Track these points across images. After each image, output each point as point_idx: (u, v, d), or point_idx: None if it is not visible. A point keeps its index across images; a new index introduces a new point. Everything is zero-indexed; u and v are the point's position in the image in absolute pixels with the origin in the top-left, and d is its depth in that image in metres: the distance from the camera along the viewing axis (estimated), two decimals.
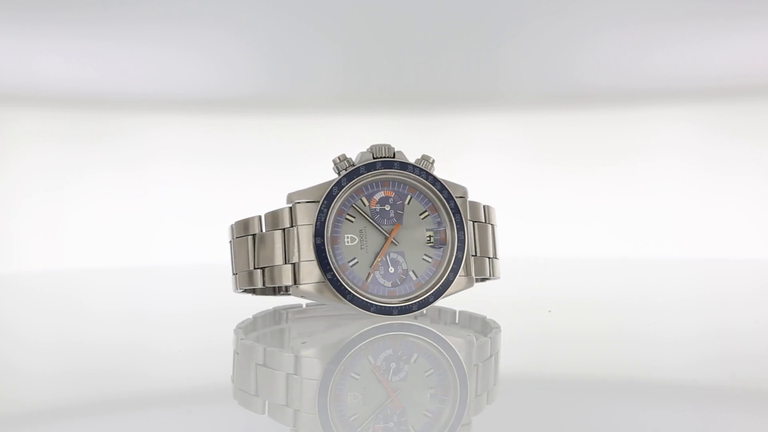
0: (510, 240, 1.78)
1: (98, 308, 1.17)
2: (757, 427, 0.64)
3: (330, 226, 0.88)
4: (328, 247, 0.87)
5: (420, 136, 1.78)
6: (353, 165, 0.90)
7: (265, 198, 1.83)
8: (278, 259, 0.88)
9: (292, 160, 1.84)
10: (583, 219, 1.81)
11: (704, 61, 1.83)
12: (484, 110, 1.87)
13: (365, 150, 0.91)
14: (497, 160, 1.85)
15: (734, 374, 0.75)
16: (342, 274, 0.87)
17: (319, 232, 0.86)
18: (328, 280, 0.86)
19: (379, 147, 0.91)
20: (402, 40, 1.83)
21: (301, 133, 1.86)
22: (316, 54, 1.84)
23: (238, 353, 0.82)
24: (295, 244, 0.87)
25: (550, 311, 0.99)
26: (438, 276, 0.90)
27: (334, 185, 0.89)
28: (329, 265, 0.86)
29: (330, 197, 0.88)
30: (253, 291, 0.95)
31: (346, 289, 0.86)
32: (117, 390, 0.73)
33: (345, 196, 0.89)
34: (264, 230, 0.89)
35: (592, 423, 0.64)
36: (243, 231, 0.90)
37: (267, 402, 0.67)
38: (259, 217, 0.90)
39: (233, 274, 0.93)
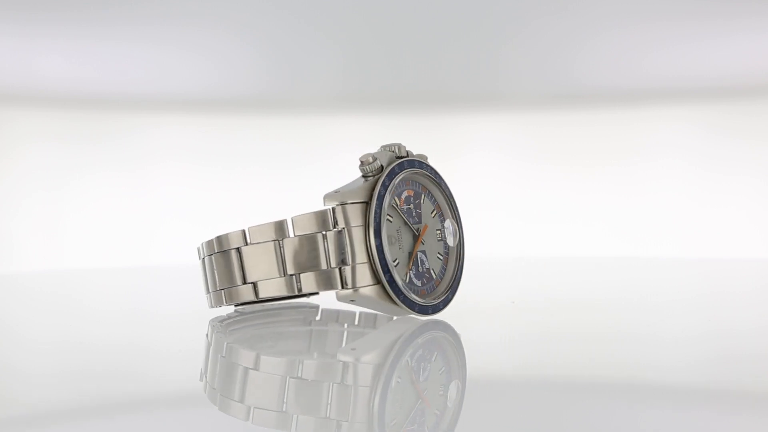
0: (510, 240, 1.78)
1: (98, 308, 1.17)
2: (757, 427, 0.64)
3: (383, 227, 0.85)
4: (386, 249, 0.84)
5: (420, 136, 1.78)
6: (381, 165, 0.87)
7: (265, 198, 1.83)
8: (323, 263, 0.84)
9: (292, 160, 1.84)
10: (583, 219, 1.81)
11: (704, 61, 1.82)
12: (484, 110, 1.87)
13: (380, 149, 0.90)
14: (497, 160, 1.85)
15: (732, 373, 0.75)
16: (396, 276, 0.85)
17: (377, 233, 0.83)
18: (387, 282, 0.83)
19: (399, 146, 0.90)
20: (402, 40, 1.83)
21: (301, 133, 1.86)
22: (316, 54, 1.84)
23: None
24: (348, 246, 0.83)
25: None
26: (451, 272, 0.90)
27: (380, 186, 0.85)
28: (387, 266, 0.84)
29: (380, 198, 0.85)
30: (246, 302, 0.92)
31: (400, 290, 0.84)
32: (117, 390, 0.73)
33: (390, 196, 0.87)
34: (294, 234, 0.84)
35: (592, 423, 0.64)
36: (262, 237, 0.85)
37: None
38: (281, 222, 0.85)
39: (224, 288, 0.87)
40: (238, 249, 0.86)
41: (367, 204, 0.84)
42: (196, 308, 1.09)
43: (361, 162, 0.87)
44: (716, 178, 1.82)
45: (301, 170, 1.83)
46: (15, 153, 1.78)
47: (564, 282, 1.37)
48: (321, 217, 0.84)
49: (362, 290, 0.83)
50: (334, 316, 0.94)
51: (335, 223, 0.83)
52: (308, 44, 1.82)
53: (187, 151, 1.84)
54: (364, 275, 0.83)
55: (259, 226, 0.85)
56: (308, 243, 0.83)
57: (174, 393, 0.74)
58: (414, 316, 0.87)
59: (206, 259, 0.90)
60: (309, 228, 0.83)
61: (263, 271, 0.85)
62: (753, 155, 1.81)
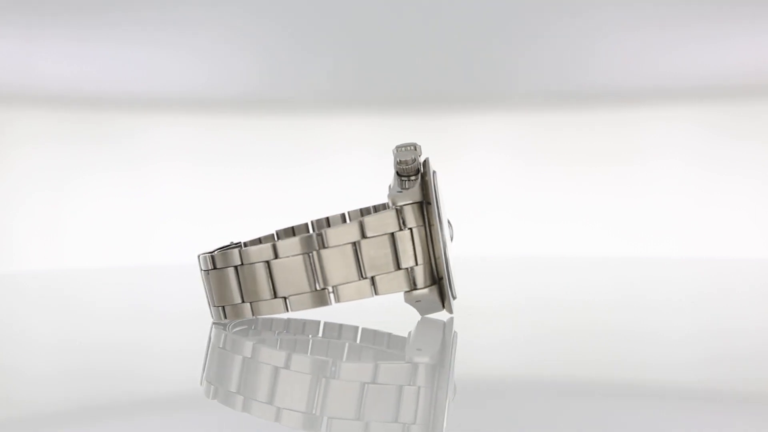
0: (510, 240, 1.78)
1: (98, 308, 1.17)
2: (757, 426, 0.64)
3: None
4: (448, 249, 0.84)
5: (420, 136, 1.78)
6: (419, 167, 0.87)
7: (265, 198, 1.83)
8: (398, 264, 0.82)
9: (292, 160, 1.84)
10: (583, 219, 1.81)
11: (704, 61, 1.82)
12: (484, 110, 1.87)
13: (405, 149, 0.89)
14: (497, 160, 1.85)
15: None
16: (452, 276, 0.85)
17: (442, 233, 0.83)
18: (440, 281, 0.83)
19: (415, 145, 0.89)
20: (402, 41, 1.83)
21: (301, 133, 1.86)
22: (316, 55, 1.84)
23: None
24: (411, 247, 0.82)
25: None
26: (449, 270, 0.91)
27: (433, 187, 0.85)
28: (449, 267, 0.84)
29: (436, 198, 0.85)
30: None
31: (452, 288, 0.85)
32: (117, 389, 0.73)
33: (437, 196, 0.86)
34: (369, 235, 0.82)
35: (593, 422, 0.64)
36: (338, 239, 0.81)
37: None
38: (360, 222, 0.81)
39: (293, 294, 0.82)
40: (309, 254, 0.82)
41: (421, 204, 0.83)
42: (196, 308, 1.09)
43: (403, 161, 0.86)
44: (716, 178, 1.82)
45: (301, 170, 1.83)
46: (15, 153, 1.78)
47: (564, 281, 1.37)
48: (394, 218, 0.82)
49: (426, 290, 0.83)
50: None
51: (404, 223, 0.82)
52: (308, 45, 1.82)
53: (187, 151, 1.84)
54: (427, 275, 0.83)
55: (335, 228, 0.82)
56: (385, 244, 0.82)
57: (183, 393, 0.74)
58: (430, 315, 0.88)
59: (263, 264, 0.83)
60: (384, 228, 0.82)
61: (343, 275, 0.82)
62: (753, 155, 1.81)
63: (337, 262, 0.81)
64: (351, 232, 0.81)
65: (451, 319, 0.90)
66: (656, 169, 1.83)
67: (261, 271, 0.82)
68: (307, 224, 1.03)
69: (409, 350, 0.83)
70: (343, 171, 1.79)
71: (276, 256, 0.82)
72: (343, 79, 1.88)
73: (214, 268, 0.84)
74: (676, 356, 0.83)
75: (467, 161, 1.82)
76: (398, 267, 0.82)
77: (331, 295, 0.82)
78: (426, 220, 0.83)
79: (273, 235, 1.01)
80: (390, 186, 0.93)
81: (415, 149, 0.87)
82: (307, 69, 1.84)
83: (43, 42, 1.77)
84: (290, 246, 0.82)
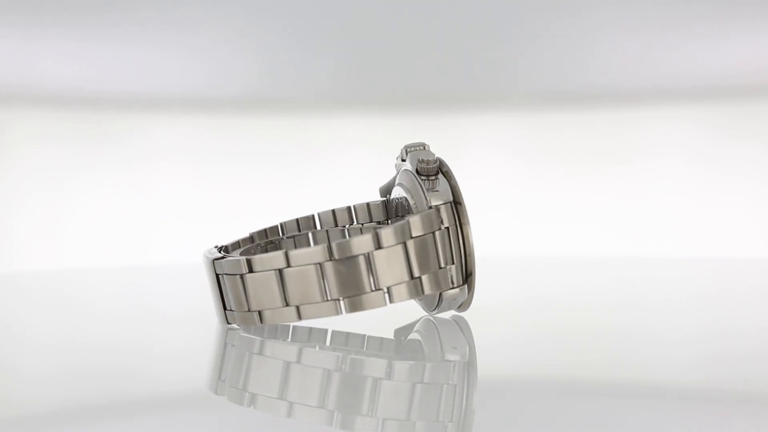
0: (510, 240, 1.78)
1: (97, 307, 1.17)
2: (758, 426, 0.64)
3: None
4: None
5: (420, 137, 1.78)
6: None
7: (265, 198, 1.83)
8: (438, 263, 0.82)
9: (292, 160, 1.84)
10: (583, 219, 1.81)
11: (704, 61, 1.83)
12: (484, 110, 1.87)
13: (419, 148, 0.89)
14: (497, 160, 1.85)
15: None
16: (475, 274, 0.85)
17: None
18: (469, 277, 0.84)
19: (424, 145, 0.89)
20: (402, 41, 1.83)
21: (301, 133, 1.86)
22: (316, 55, 1.84)
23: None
24: (449, 246, 0.83)
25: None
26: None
27: (457, 186, 0.86)
28: (474, 265, 0.85)
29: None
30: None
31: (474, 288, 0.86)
32: (117, 389, 0.73)
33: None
34: (413, 235, 0.81)
35: (593, 422, 0.64)
36: (389, 240, 0.79)
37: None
38: (404, 225, 0.80)
39: (350, 296, 0.79)
40: (367, 255, 0.79)
41: (452, 204, 0.83)
42: (196, 308, 1.09)
43: (426, 161, 0.86)
44: (716, 178, 1.82)
45: (301, 170, 1.83)
46: (15, 153, 1.78)
47: (564, 281, 1.37)
48: (433, 218, 0.82)
49: (458, 290, 0.84)
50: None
51: (441, 222, 0.82)
52: (308, 45, 1.82)
53: (187, 151, 1.84)
54: (459, 274, 0.83)
55: (384, 228, 0.80)
56: (427, 244, 0.82)
57: (184, 392, 0.74)
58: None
59: (316, 266, 0.79)
60: (425, 228, 0.81)
61: (395, 276, 0.80)
62: (753, 155, 1.81)
63: (390, 262, 0.80)
64: (397, 234, 0.80)
65: (452, 319, 0.90)
66: (656, 169, 1.83)
67: (312, 272, 0.79)
68: (277, 226, 1.01)
69: (446, 349, 0.83)
70: (343, 171, 1.79)
71: (331, 258, 0.79)
72: (343, 79, 1.88)
73: (251, 271, 0.81)
74: (675, 356, 0.83)
75: (467, 161, 1.82)
76: (439, 266, 0.82)
77: (386, 296, 0.80)
78: (457, 219, 0.83)
79: (249, 237, 0.98)
80: (394, 184, 0.93)
81: (424, 148, 0.88)
82: (307, 69, 1.84)
83: (43, 42, 1.77)
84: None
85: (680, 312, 1.08)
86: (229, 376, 0.76)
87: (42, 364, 0.83)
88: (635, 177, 1.84)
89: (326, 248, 0.79)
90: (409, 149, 0.89)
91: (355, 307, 0.80)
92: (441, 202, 0.83)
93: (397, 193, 0.92)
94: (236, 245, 0.96)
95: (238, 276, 0.81)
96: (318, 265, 0.78)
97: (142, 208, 1.80)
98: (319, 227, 1.01)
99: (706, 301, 1.18)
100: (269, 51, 1.84)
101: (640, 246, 1.77)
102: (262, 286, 0.80)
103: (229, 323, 0.84)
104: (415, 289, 0.80)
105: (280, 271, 0.79)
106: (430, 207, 0.82)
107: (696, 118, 1.83)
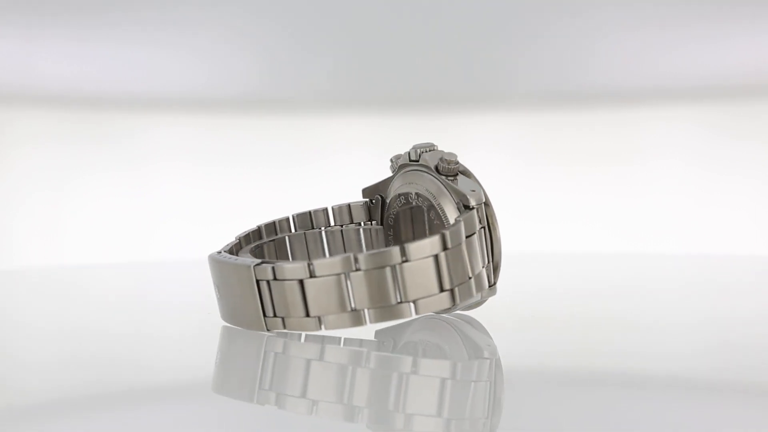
0: (510, 239, 1.78)
1: (97, 305, 1.17)
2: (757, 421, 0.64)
3: None
4: None
5: (420, 137, 1.78)
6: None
7: (265, 198, 1.83)
8: (480, 264, 0.81)
9: (292, 160, 1.84)
10: (583, 219, 1.81)
11: (704, 61, 1.83)
12: (484, 110, 1.88)
13: (432, 149, 0.89)
14: (497, 160, 1.85)
15: None
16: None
17: None
18: (495, 270, 0.84)
19: (432, 145, 0.90)
20: (402, 41, 1.83)
21: (301, 133, 1.86)
22: (316, 54, 1.84)
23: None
24: (485, 247, 0.82)
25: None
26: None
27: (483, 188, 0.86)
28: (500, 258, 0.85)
29: None
30: None
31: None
32: (120, 378, 0.73)
33: None
34: (452, 243, 0.78)
35: (595, 415, 0.64)
36: (420, 252, 0.76)
37: None
38: (443, 234, 0.77)
39: (376, 306, 0.76)
40: (393, 266, 0.76)
41: (483, 205, 0.83)
42: (197, 308, 1.09)
43: (449, 161, 0.85)
44: (716, 178, 1.82)
45: (301, 170, 1.83)
46: (15, 153, 1.78)
47: (564, 281, 1.37)
48: (475, 219, 0.81)
49: (488, 290, 0.83)
50: None
51: (479, 222, 0.82)
52: (308, 45, 1.82)
53: (187, 151, 1.84)
54: (491, 274, 0.83)
55: (418, 242, 0.76)
56: (472, 245, 0.80)
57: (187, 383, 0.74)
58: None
59: (345, 275, 0.76)
60: (471, 229, 0.80)
61: (424, 287, 0.77)
62: (753, 155, 1.81)
63: (421, 272, 0.77)
64: (437, 244, 0.77)
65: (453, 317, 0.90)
66: (656, 169, 1.84)
67: (388, 275, 0.76)
68: (275, 222, 0.97)
69: (482, 344, 0.83)
70: (343, 171, 1.79)
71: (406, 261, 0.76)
72: (343, 79, 1.89)
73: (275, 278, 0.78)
74: (677, 346, 0.83)
75: (467, 161, 1.81)
76: (478, 268, 0.81)
77: (412, 309, 0.77)
78: (487, 220, 0.83)
79: (238, 242, 0.94)
80: (390, 184, 0.93)
81: (434, 149, 0.88)
82: (307, 69, 1.84)
83: (43, 42, 1.77)
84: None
85: (681, 307, 1.08)
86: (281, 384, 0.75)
87: (43, 353, 0.84)
88: (635, 177, 1.84)
89: (349, 258, 0.76)
90: (421, 149, 0.88)
91: (384, 317, 0.77)
92: (476, 203, 0.82)
93: (398, 193, 0.91)
94: (231, 249, 0.92)
95: (296, 281, 0.77)
96: (392, 268, 0.75)
97: (142, 208, 1.80)
98: (293, 230, 0.96)
99: (706, 294, 1.18)
100: (269, 51, 1.84)
101: (640, 246, 1.78)
102: (326, 290, 0.76)
103: (268, 330, 0.80)
104: (451, 298, 0.78)
105: (345, 274, 0.76)
106: (470, 207, 0.81)
107: (696, 118, 1.83)
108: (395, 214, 0.93)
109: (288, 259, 0.95)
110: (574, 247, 1.78)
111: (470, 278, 0.79)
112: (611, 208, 1.82)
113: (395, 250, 0.75)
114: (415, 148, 0.89)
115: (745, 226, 1.80)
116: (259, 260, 0.80)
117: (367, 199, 0.96)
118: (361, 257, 0.75)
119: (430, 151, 0.88)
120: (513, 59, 1.85)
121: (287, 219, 0.96)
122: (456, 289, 0.77)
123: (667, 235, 1.80)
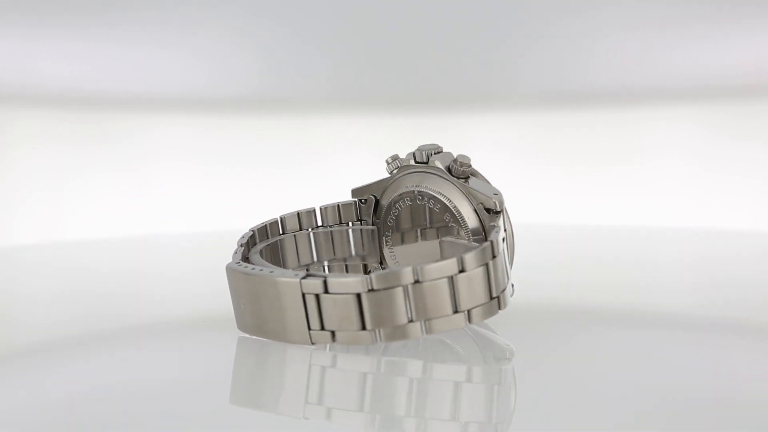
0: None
1: (97, 305, 1.17)
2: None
3: None
4: None
5: (420, 137, 1.78)
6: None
7: (265, 198, 1.83)
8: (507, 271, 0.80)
9: (292, 160, 1.84)
10: (583, 218, 1.81)
11: (704, 61, 1.83)
12: (484, 110, 1.88)
13: (439, 151, 0.89)
14: (497, 160, 1.85)
15: None
16: None
17: None
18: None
19: (436, 146, 0.89)
20: (402, 41, 1.83)
21: (301, 133, 1.86)
22: (316, 54, 1.84)
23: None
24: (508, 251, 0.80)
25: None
26: None
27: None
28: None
29: None
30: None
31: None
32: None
33: None
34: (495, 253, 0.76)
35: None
36: (475, 263, 0.74)
37: None
38: (488, 247, 0.75)
39: (428, 318, 0.74)
40: (451, 277, 0.74)
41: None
42: (197, 308, 1.10)
43: (463, 164, 0.85)
44: (716, 178, 1.82)
45: (301, 170, 1.83)
46: (15, 153, 1.78)
47: (564, 281, 1.37)
48: (506, 224, 0.80)
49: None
50: None
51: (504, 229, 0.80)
52: (308, 44, 1.82)
53: (187, 151, 1.84)
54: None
55: (474, 253, 0.74)
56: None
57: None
58: None
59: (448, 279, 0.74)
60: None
61: (478, 297, 0.76)
62: (753, 155, 1.82)
63: (474, 285, 0.75)
64: (484, 256, 0.76)
65: None
66: (656, 169, 1.84)
67: (445, 286, 0.74)
68: (266, 226, 0.95)
69: (503, 347, 0.84)
70: (343, 171, 1.79)
71: (462, 270, 0.75)
72: (343, 79, 1.89)
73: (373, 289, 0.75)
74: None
75: None
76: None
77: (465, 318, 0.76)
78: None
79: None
80: (388, 185, 0.93)
81: (440, 150, 0.87)
82: (307, 69, 1.84)
83: (43, 42, 1.77)
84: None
85: (684, 303, 1.09)
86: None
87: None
88: (635, 177, 1.84)
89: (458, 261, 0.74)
90: (428, 151, 0.87)
91: (432, 330, 0.76)
92: (500, 207, 0.82)
93: (403, 195, 0.90)
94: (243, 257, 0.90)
95: (352, 295, 0.75)
96: (450, 278, 0.74)
97: (142, 208, 1.80)
98: (281, 232, 0.95)
99: (707, 294, 1.19)
100: (269, 51, 1.84)
101: (640, 245, 1.77)
102: (387, 303, 0.74)
103: (313, 343, 0.77)
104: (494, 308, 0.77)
105: (410, 286, 0.74)
106: (495, 212, 0.81)
107: (696, 118, 1.83)
108: (396, 215, 0.92)
109: (280, 262, 0.94)
110: (574, 247, 1.78)
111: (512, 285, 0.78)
112: (611, 208, 1.82)
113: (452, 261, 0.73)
114: (420, 149, 0.88)
115: (745, 227, 1.80)
116: (304, 273, 0.78)
117: (357, 199, 0.95)
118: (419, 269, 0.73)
119: (438, 152, 0.87)
120: (513, 59, 1.85)
121: (276, 222, 0.95)
122: (500, 295, 0.77)
123: (666, 234, 1.80)
